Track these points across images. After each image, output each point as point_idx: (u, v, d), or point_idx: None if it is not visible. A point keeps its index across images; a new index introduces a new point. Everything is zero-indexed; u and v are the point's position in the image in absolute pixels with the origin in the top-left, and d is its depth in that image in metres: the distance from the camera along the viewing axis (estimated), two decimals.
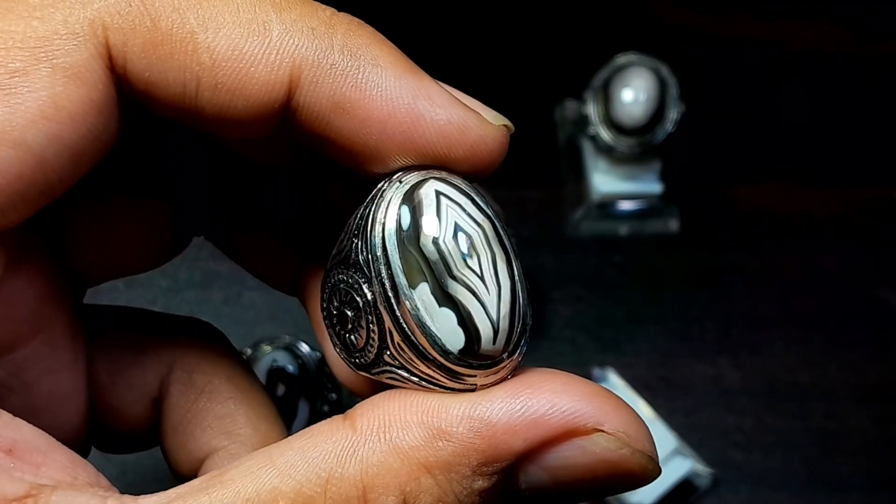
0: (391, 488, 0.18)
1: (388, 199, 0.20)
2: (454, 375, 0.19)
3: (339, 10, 0.21)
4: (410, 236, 0.19)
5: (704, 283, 0.56)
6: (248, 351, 0.45)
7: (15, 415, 0.22)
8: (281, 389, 0.43)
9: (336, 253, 0.21)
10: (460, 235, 0.19)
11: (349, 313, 0.20)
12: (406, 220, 0.19)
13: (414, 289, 0.19)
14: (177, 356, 0.25)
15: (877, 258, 0.57)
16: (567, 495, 0.19)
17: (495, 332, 0.19)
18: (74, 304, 0.24)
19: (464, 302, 0.19)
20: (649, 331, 0.54)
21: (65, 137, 0.19)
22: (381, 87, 0.20)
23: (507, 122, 0.21)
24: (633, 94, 0.53)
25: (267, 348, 0.44)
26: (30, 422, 0.23)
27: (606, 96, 0.54)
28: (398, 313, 0.19)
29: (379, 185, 0.20)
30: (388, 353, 0.20)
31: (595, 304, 0.55)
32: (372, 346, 0.20)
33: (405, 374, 0.20)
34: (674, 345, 0.54)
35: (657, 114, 0.53)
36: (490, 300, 0.19)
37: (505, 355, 0.19)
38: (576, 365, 0.52)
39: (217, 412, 0.25)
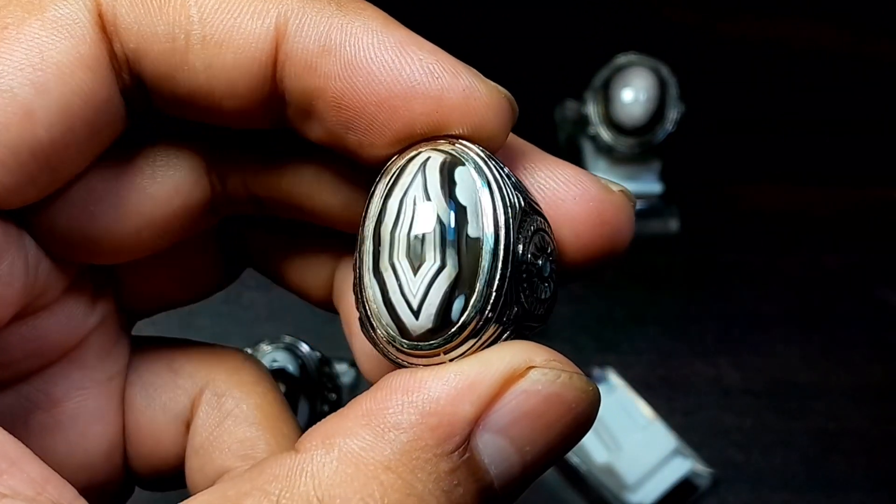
0: (350, 496, 0.17)
1: (385, 172, 0.20)
2: (410, 356, 0.19)
3: None
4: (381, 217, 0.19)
5: (704, 283, 0.56)
6: (248, 351, 0.45)
7: (40, 431, 0.23)
8: (281, 389, 0.43)
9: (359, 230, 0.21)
10: (414, 228, 0.19)
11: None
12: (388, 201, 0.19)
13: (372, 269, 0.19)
14: (209, 379, 0.25)
15: (877, 258, 0.57)
16: (533, 466, 0.19)
17: (415, 315, 0.19)
18: (109, 327, 0.24)
19: (386, 281, 0.19)
20: (649, 331, 0.54)
21: (52, 90, 0.19)
22: (367, 30, 0.19)
23: (505, 91, 0.20)
24: (633, 94, 0.53)
25: (267, 348, 0.44)
26: (55, 439, 0.23)
27: (606, 96, 0.53)
28: (363, 290, 0.19)
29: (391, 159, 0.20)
30: (375, 330, 0.20)
31: (595, 304, 0.55)
32: (364, 321, 0.20)
33: (392, 354, 0.19)
34: (674, 345, 0.54)
35: (657, 114, 0.53)
36: (411, 285, 0.19)
37: (441, 341, 0.19)
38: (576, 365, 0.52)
39: (239, 436, 0.25)
